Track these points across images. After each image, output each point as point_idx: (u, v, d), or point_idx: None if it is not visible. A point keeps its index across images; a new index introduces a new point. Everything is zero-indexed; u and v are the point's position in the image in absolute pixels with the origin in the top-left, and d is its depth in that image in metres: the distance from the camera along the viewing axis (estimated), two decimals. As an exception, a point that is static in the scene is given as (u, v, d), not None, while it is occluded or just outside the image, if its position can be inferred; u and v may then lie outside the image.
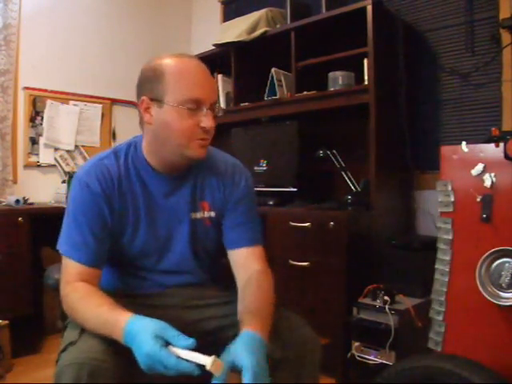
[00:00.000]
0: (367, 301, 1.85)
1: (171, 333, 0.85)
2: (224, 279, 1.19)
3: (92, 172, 1.06)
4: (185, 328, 1.14)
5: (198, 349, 0.83)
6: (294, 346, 1.00)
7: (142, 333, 0.85)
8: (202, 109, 1.00)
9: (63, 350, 0.91)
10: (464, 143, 1.53)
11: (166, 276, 1.15)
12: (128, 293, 1.12)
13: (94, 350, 0.87)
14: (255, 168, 2.62)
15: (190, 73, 1.01)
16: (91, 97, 3.16)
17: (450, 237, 1.53)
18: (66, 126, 3.05)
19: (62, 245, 1.05)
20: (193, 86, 0.99)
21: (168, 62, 1.02)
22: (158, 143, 1.06)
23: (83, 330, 0.94)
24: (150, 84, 1.02)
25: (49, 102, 2.97)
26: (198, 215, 1.14)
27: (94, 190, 1.04)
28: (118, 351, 0.89)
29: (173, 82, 1.00)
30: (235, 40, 2.67)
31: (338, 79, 2.29)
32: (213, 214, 1.15)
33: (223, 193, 1.16)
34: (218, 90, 1.12)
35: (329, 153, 2.28)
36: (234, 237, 1.15)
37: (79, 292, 0.99)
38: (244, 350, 0.85)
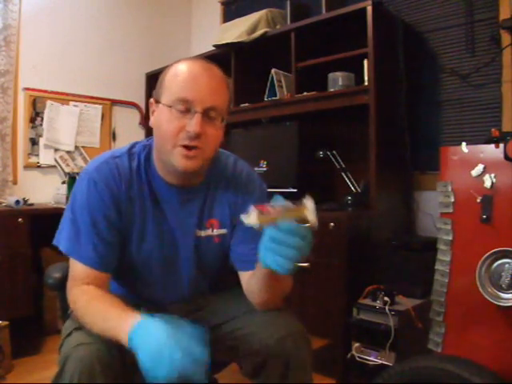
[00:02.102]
0: (367, 301, 1.85)
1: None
2: (226, 284, 1.17)
3: (102, 169, 1.01)
4: None
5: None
6: (279, 342, 0.97)
7: (152, 326, 0.80)
8: (191, 111, 0.95)
9: (68, 335, 0.93)
10: (464, 144, 1.53)
11: (168, 291, 1.11)
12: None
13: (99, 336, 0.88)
14: (255, 169, 2.62)
15: (185, 73, 0.97)
16: (91, 97, 3.16)
17: (450, 237, 1.53)
18: (66, 127, 3.05)
19: (63, 241, 1.00)
20: (184, 85, 0.95)
21: (173, 65, 1.01)
22: (157, 149, 1.03)
23: None
24: (157, 86, 1.02)
25: (49, 102, 2.97)
26: (203, 233, 1.09)
27: (102, 189, 0.99)
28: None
29: (168, 82, 0.98)
30: (235, 41, 2.67)
31: (337, 80, 2.29)
32: (224, 231, 1.10)
33: (235, 209, 1.09)
34: (225, 98, 1.06)
35: (329, 153, 2.29)
36: (244, 255, 1.06)
37: (87, 295, 0.95)
38: None
